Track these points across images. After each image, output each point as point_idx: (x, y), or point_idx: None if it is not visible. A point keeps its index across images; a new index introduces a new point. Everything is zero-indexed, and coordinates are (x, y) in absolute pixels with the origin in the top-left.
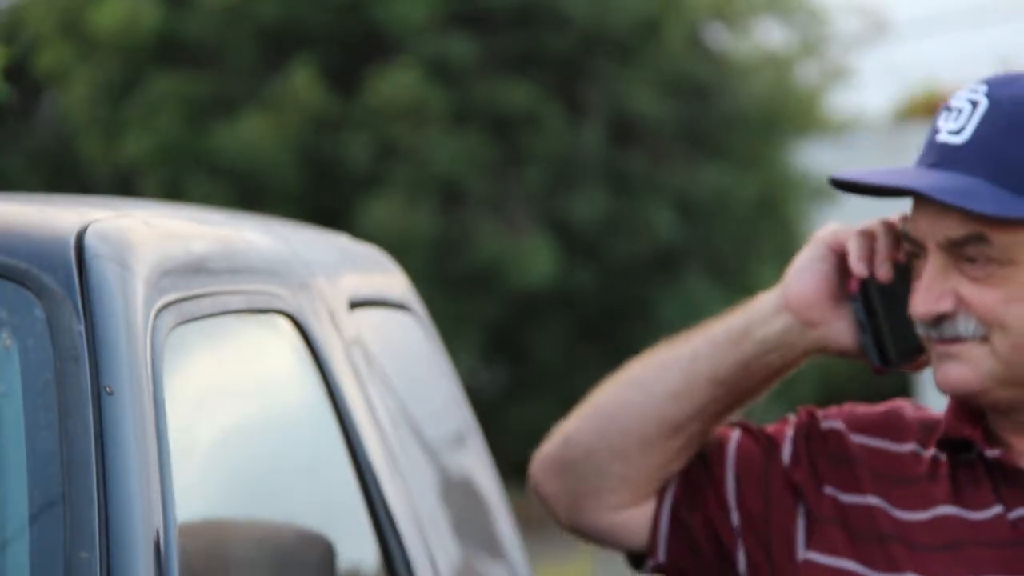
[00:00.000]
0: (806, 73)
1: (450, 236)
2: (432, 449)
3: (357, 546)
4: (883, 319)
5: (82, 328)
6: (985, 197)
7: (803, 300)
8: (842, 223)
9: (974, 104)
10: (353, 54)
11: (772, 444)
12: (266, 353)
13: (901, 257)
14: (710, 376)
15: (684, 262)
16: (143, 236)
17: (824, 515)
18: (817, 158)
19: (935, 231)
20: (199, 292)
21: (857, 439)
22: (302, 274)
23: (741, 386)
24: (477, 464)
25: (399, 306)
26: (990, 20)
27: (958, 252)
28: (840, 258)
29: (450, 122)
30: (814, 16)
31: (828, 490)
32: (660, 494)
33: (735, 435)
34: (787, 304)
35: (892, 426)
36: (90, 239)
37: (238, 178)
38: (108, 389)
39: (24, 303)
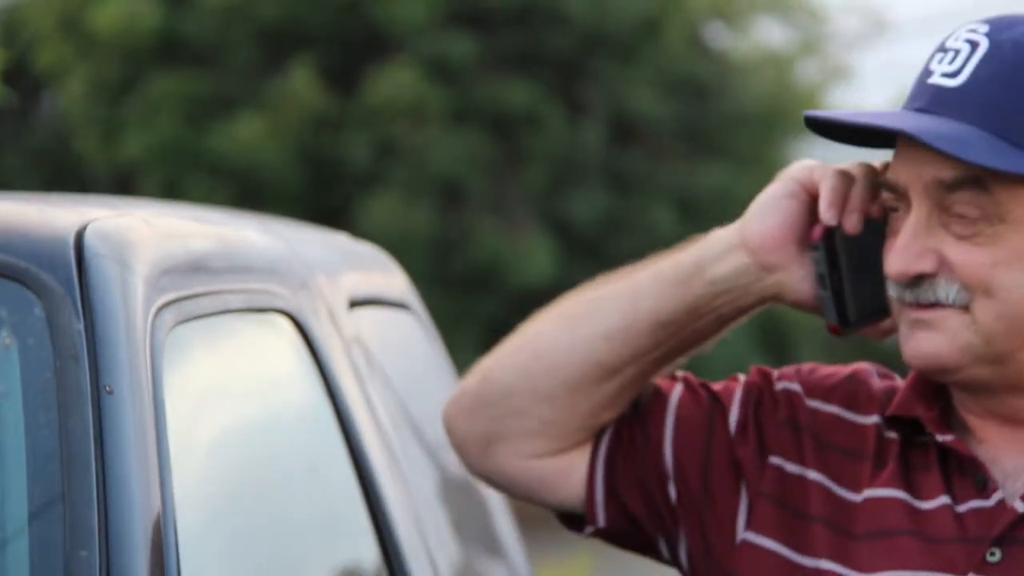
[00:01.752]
0: (806, 72)
1: (450, 236)
2: (432, 449)
3: (357, 545)
4: (846, 275)
5: (82, 327)
6: (980, 146)
7: (763, 240)
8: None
9: (973, 45)
10: (353, 54)
11: (718, 408)
12: (266, 352)
13: (875, 211)
14: (652, 317)
15: None
16: (143, 235)
17: (764, 490)
18: (817, 157)
19: (923, 173)
20: (199, 291)
21: (812, 404)
22: (302, 273)
23: (685, 331)
24: None
25: (399, 305)
26: None
27: (947, 201)
28: (811, 200)
29: (450, 122)
30: (814, 15)
31: (774, 460)
32: (592, 453)
33: (677, 392)
34: (745, 242)
35: (854, 394)
36: (90, 238)
37: (238, 177)
38: (108, 388)
39: (24, 302)
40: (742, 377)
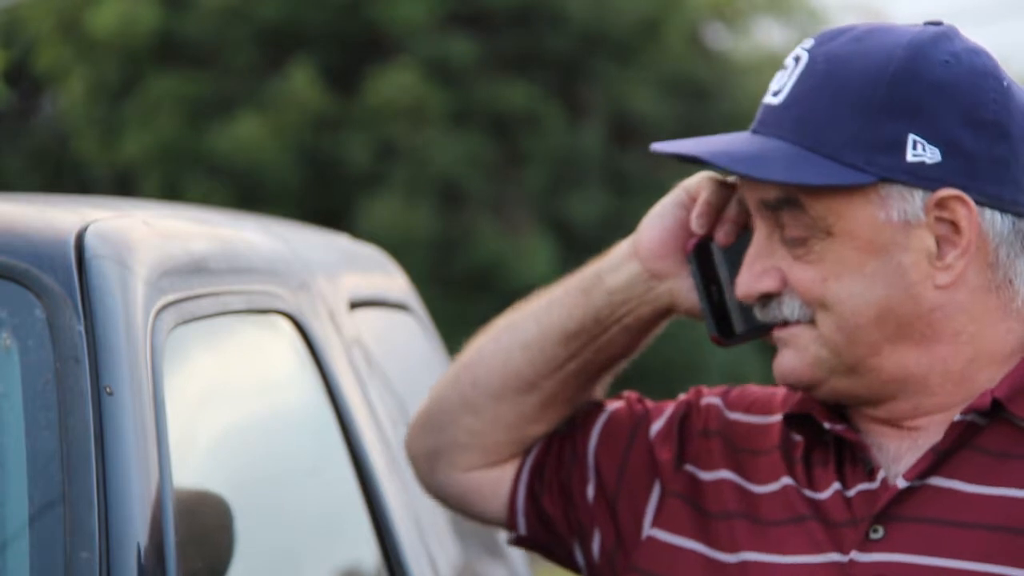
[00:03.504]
0: None
1: (450, 236)
2: None
3: (357, 546)
4: (728, 287)
5: (82, 328)
6: (779, 163)
7: (652, 248)
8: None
9: (797, 61)
10: (353, 54)
11: (645, 418)
12: (266, 353)
13: (754, 224)
14: (560, 327)
15: None
16: (143, 236)
17: (676, 490)
18: None
19: (753, 195)
20: (199, 292)
21: (732, 415)
22: (302, 274)
23: (595, 342)
24: None
25: (399, 306)
26: (990, 20)
27: (776, 221)
28: None
29: (450, 122)
30: (814, 16)
31: (688, 468)
32: (520, 464)
33: (613, 406)
34: (636, 251)
35: (770, 403)
36: (90, 239)
37: (237, 178)
38: (108, 389)
39: (24, 303)
40: (682, 396)
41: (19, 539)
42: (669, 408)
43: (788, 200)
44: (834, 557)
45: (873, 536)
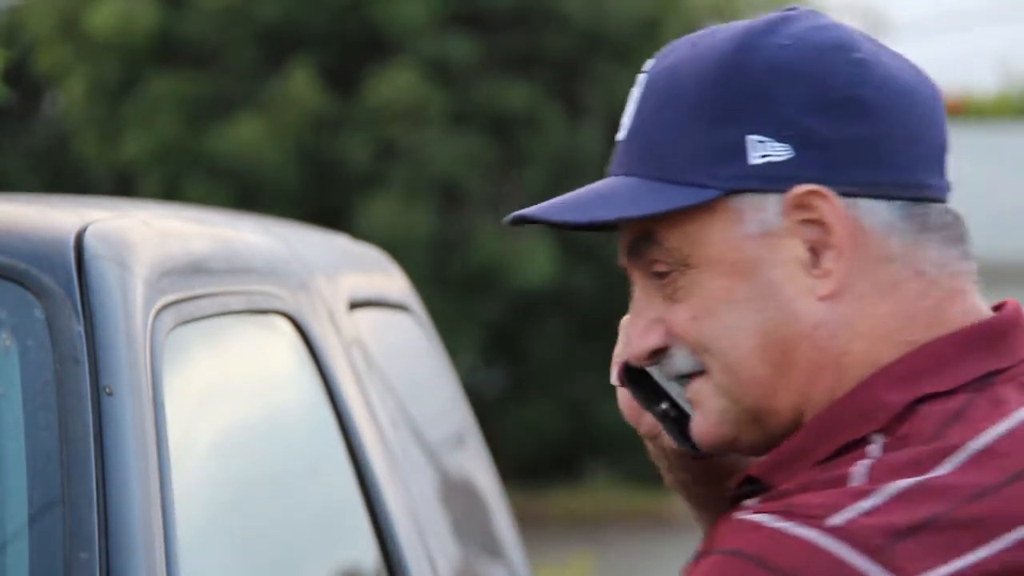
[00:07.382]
0: None
1: (450, 236)
2: (432, 449)
3: (357, 546)
4: (679, 395)
5: (82, 328)
6: (618, 199)
7: (626, 411)
8: None
9: (638, 87)
10: (352, 54)
11: None
12: (266, 353)
13: None
14: (679, 485)
15: None
16: (143, 236)
17: None
18: None
19: (621, 247)
20: (199, 292)
21: None
22: (302, 274)
23: (698, 487)
24: (477, 464)
25: (399, 306)
26: (989, 20)
27: (642, 263)
28: None
29: (450, 122)
30: None
31: None
32: None
33: None
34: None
35: None
36: (90, 239)
37: (237, 178)
38: (108, 390)
39: (24, 303)
40: None
41: (19, 539)
42: None
43: (644, 238)
44: None
45: None
